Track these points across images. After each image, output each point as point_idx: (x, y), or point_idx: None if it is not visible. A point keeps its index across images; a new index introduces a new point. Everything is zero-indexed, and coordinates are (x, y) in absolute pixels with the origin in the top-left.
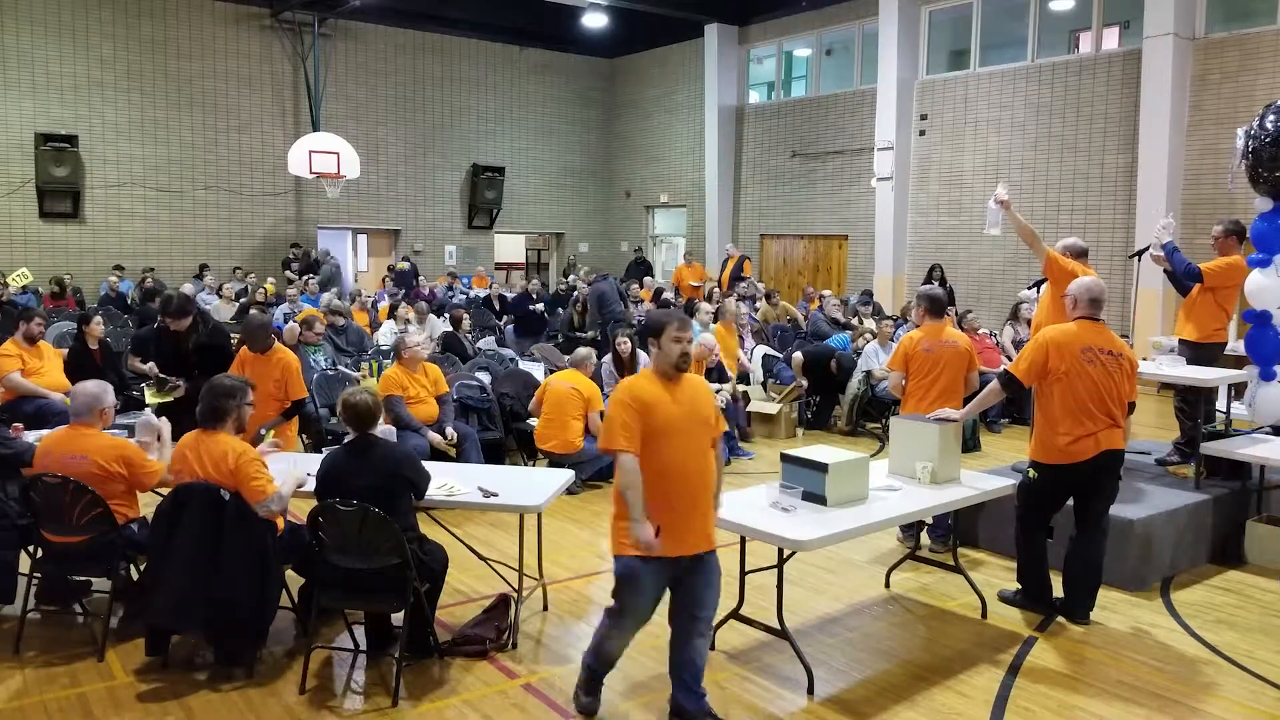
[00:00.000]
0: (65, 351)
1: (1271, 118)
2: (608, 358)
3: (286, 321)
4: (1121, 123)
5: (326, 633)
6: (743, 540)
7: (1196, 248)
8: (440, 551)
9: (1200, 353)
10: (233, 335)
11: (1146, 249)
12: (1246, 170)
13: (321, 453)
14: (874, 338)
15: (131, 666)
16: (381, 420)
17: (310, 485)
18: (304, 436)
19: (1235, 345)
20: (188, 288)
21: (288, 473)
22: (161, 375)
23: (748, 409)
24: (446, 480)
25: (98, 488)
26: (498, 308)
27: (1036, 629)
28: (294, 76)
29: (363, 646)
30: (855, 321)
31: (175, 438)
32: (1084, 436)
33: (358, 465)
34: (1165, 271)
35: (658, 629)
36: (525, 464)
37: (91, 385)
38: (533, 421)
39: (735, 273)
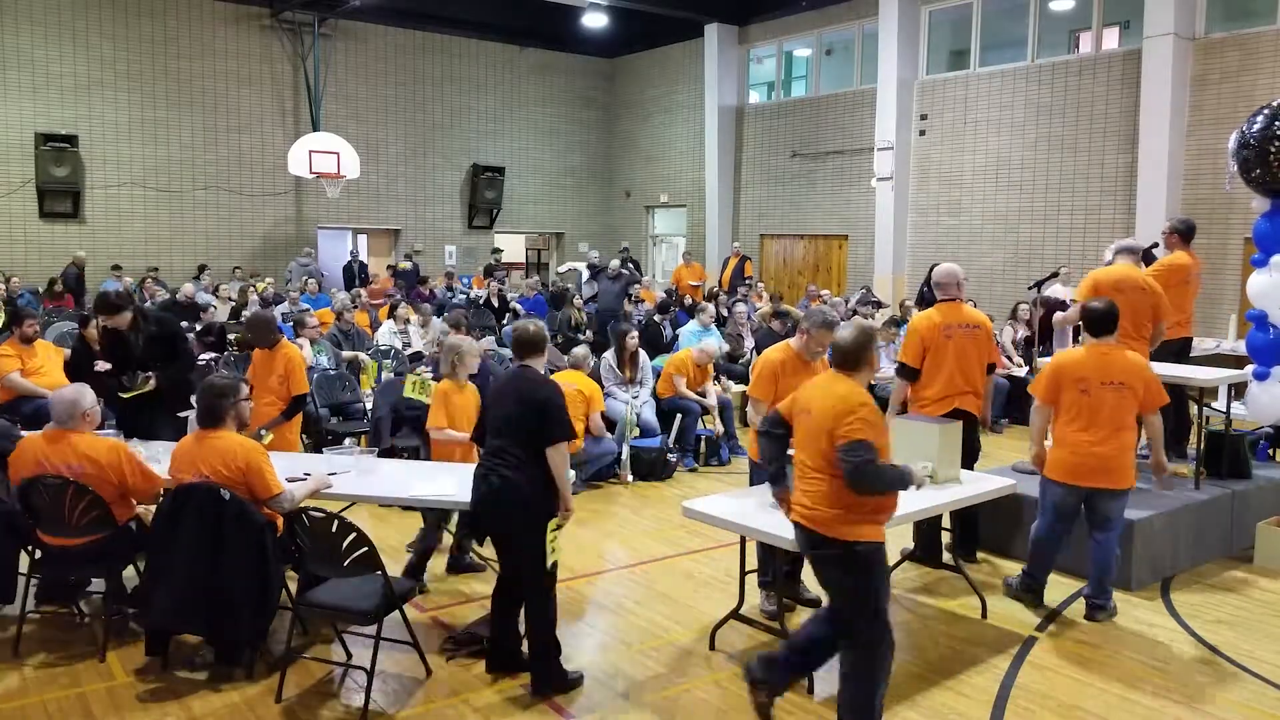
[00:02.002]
0: (67, 352)
1: (1259, 120)
2: (610, 354)
3: (285, 321)
4: (1121, 123)
5: (328, 633)
6: (742, 540)
7: (1198, 247)
8: None
9: (1156, 351)
10: (230, 334)
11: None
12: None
13: (322, 453)
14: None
15: (131, 666)
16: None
17: (337, 488)
18: (305, 437)
19: (1236, 345)
20: (188, 288)
21: (315, 476)
22: (127, 373)
23: (748, 408)
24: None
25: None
26: (496, 307)
27: (1037, 629)
28: (294, 76)
29: (353, 655)
30: (859, 319)
31: (144, 430)
32: (946, 397)
33: (512, 388)
34: None
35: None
36: None
37: (68, 391)
38: None
39: (737, 273)
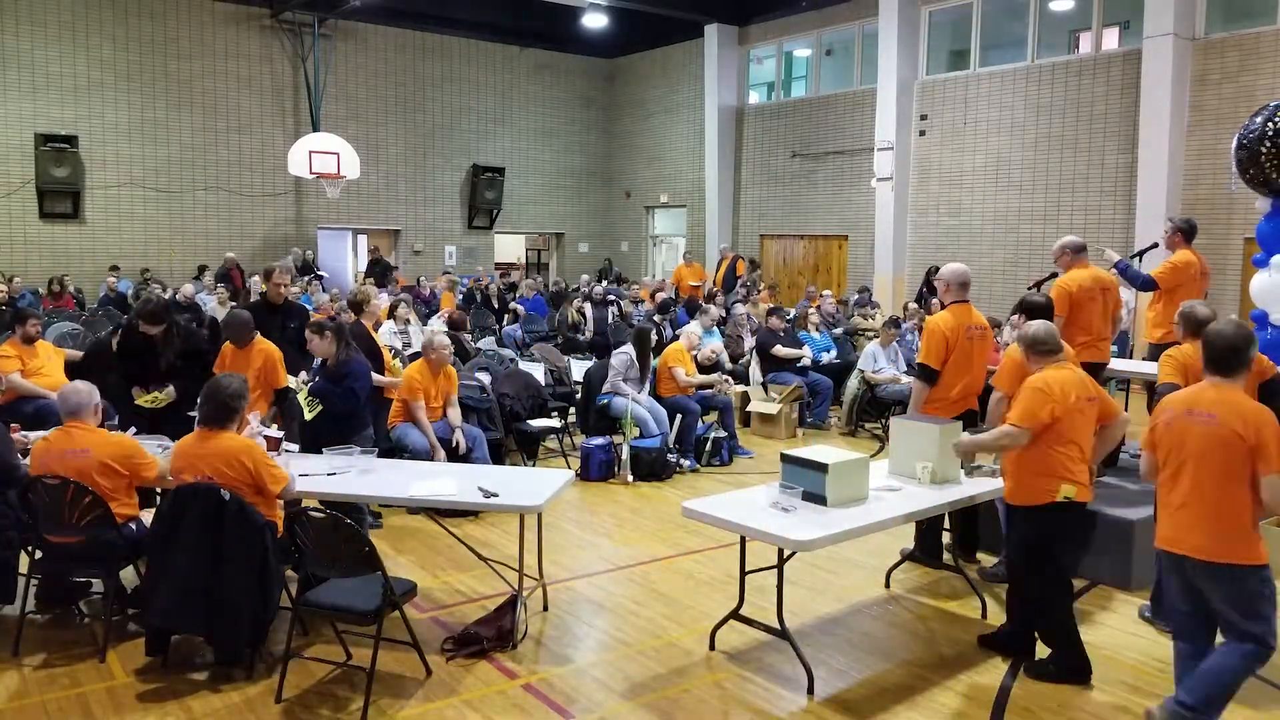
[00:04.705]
0: (68, 352)
1: (1256, 120)
2: (630, 350)
3: None
4: (1121, 123)
5: (328, 633)
6: (743, 540)
7: (1198, 247)
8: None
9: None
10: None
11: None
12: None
13: (321, 452)
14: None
15: (131, 666)
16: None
17: (337, 488)
18: None
19: None
20: (188, 288)
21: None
22: (152, 384)
23: (748, 409)
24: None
25: (102, 481)
26: (496, 306)
27: None
28: (294, 77)
29: (353, 655)
30: (859, 318)
31: (145, 427)
32: (965, 398)
33: None
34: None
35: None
36: (525, 464)
37: (81, 384)
38: (532, 422)
39: (730, 274)
